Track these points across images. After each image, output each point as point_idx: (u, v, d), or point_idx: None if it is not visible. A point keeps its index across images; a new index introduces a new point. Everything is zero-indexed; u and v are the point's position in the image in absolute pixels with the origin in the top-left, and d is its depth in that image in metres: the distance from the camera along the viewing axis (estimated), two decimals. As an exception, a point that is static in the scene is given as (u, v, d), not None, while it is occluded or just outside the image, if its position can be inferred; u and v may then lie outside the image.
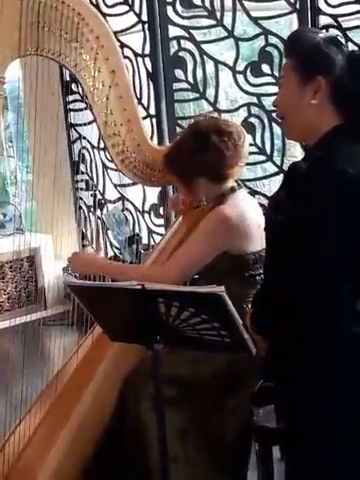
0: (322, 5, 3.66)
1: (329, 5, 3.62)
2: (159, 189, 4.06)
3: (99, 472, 1.95)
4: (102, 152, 4.24)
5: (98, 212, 3.25)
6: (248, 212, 1.94)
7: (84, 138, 4.36)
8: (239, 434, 1.96)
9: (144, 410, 1.88)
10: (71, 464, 1.94)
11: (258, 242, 1.90)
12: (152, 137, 3.77)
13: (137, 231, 4.03)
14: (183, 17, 3.81)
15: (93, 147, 4.32)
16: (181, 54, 3.84)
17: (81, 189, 4.46)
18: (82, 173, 4.43)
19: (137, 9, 3.88)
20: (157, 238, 4.08)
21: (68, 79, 4.29)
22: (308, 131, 1.59)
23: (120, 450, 1.96)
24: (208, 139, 1.96)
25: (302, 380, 1.56)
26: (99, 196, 4.13)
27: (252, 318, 1.64)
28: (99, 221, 3.47)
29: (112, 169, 4.24)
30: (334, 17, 3.61)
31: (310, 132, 1.58)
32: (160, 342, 1.59)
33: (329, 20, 3.67)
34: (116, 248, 3.95)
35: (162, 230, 3.99)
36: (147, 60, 3.90)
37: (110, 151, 2.21)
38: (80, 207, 4.48)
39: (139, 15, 3.88)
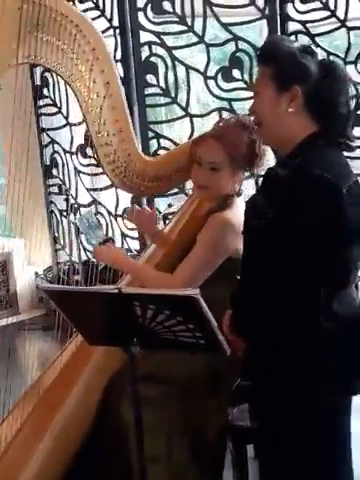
0: (291, 11, 3.73)
1: (298, 11, 3.70)
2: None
3: (81, 473, 1.96)
4: (74, 156, 4.25)
5: (72, 216, 3.28)
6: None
7: (56, 142, 4.36)
8: (220, 434, 1.99)
9: (125, 410, 1.89)
10: (53, 465, 1.95)
11: None
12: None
13: (110, 235, 4.04)
14: (154, 23, 3.85)
15: (65, 151, 4.33)
16: (152, 59, 3.88)
17: (53, 193, 4.46)
18: (54, 177, 4.43)
19: (108, 14, 3.90)
20: (130, 242, 4.11)
21: (39, 83, 4.30)
22: (284, 138, 1.63)
23: (101, 451, 1.97)
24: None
25: (279, 379, 1.60)
26: (72, 200, 4.13)
27: (231, 320, 1.67)
28: (73, 225, 3.49)
29: (84, 173, 4.25)
30: (303, 23, 3.69)
31: (285, 139, 1.62)
32: (136, 344, 1.61)
33: (298, 26, 3.74)
34: (89, 252, 3.95)
35: (135, 234, 4.01)
36: (119, 65, 3.92)
37: (102, 160, 2.23)
38: (52, 211, 4.48)
39: (110, 20, 3.90)
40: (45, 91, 4.29)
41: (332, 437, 1.64)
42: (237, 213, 2.00)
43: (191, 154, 2.09)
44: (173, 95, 3.86)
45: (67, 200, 3.17)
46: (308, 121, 1.61)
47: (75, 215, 3.24)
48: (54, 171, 4.40)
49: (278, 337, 1.55)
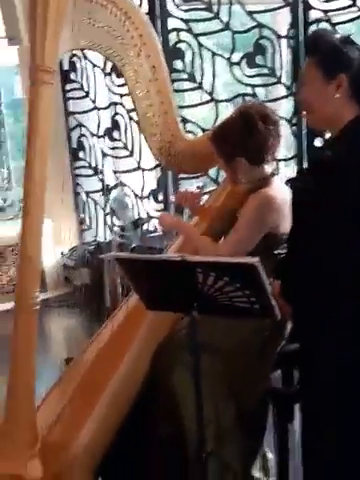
0: (313, 0, 3.85)
1: (320, 0, 3.82)
2: (158, 175, 4.23)
3: (132, 439, 2.03)
4: (101, 139, 4.38)
5: (103, 197, 3.46)
6: (287, 195, 2.08)
7: (83, 126, 4.48)
8: (263, 399, 2.09)
9: (177, 377, 1.99)
10: (105, 432, 2.00)
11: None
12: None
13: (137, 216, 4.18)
14: (182, 10, 3.97)
15: (92, 135, 4.46)
16: (180, 45, 4.00)
17: (80, 176, 4.59)
18: (81, 160, 4.56)
19: (137, 1, 4.01)
20: (156, 222, 4.25)
21: (67, 68, 4.42)
22: (332, 122, 1.76)
23: (153, 416, 2.05)
24: (255, 124, 2.12)
25: (322, 343, 1.74)
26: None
27: (281, 287, 1.82)
28: (104, 206, 3.64)
29: (111, 156, 4.39)
30: (324, 12, 3.82)
31: (334, 123, 1.76)
32: (197, 310, 1.75)
33: (319, 14, 3.87)
34: (119, 232, 4.08)
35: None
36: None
37: (148, 140, 2.36)
38: (78, 193, 4.61)
39: (139, 7, 4.01)
40: (72, 76, 4.41)
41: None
42: (276, 190, 2.13)
43: None
44: (199, 80, 4.00)
45: (102, 181, 3.31)
46: (354, 105, 1.74)
47: (109, 196, 3.40)
48: (81, 154, 4.53)
49: (319, 303, 1.70)
